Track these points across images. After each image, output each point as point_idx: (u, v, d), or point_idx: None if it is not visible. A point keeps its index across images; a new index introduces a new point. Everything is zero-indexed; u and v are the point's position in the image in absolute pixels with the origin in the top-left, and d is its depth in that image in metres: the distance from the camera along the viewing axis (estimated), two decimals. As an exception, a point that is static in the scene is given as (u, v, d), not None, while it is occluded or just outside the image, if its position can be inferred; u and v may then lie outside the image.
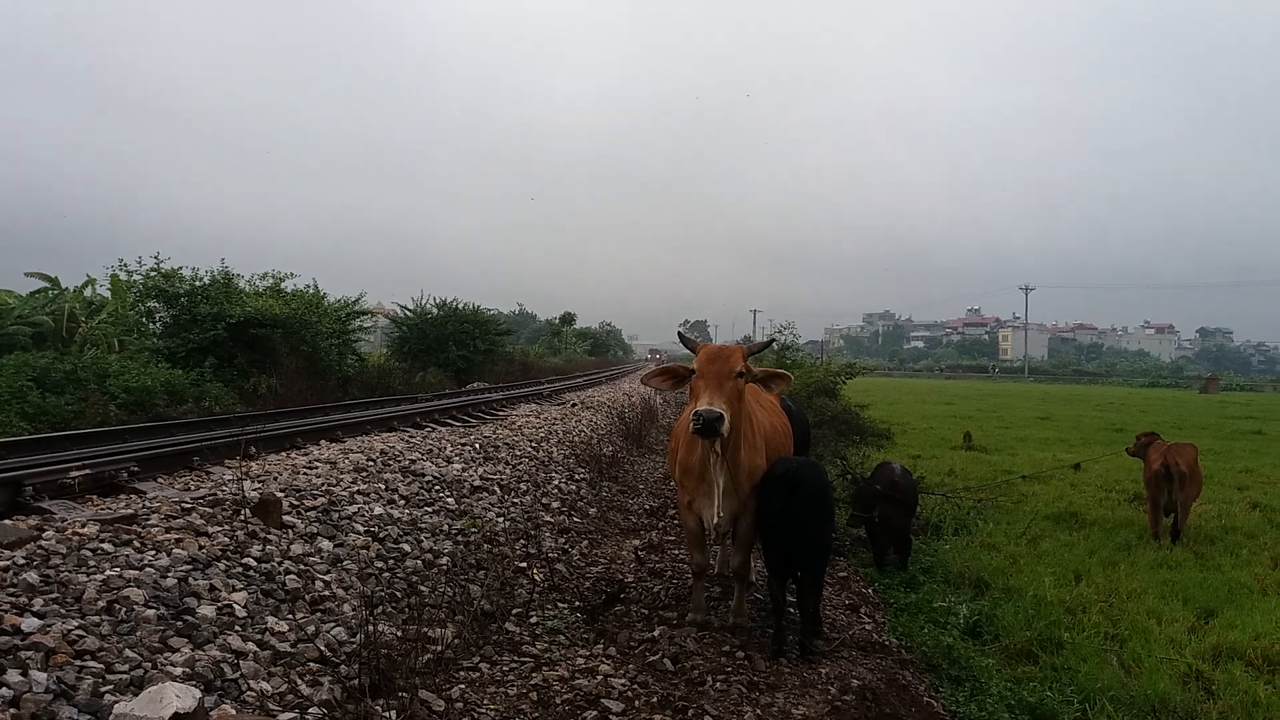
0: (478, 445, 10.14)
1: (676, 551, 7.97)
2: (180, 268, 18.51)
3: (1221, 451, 18.56)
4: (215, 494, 6.02)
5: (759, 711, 4.59)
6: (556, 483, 9.87)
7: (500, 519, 7.61)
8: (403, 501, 6.99)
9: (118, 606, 3.95)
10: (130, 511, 5.32)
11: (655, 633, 5.62)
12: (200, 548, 4.80)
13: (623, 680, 4.79)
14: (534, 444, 11.35)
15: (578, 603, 6.25)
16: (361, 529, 6.04)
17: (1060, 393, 55.48)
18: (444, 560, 6.19)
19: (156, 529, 4.97)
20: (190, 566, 4.53)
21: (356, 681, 4.20)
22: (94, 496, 6.28)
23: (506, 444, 10.74)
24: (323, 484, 6.80)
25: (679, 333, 6.30)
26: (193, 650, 3.86)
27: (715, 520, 5.56)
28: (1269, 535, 9.75)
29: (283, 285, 20.89)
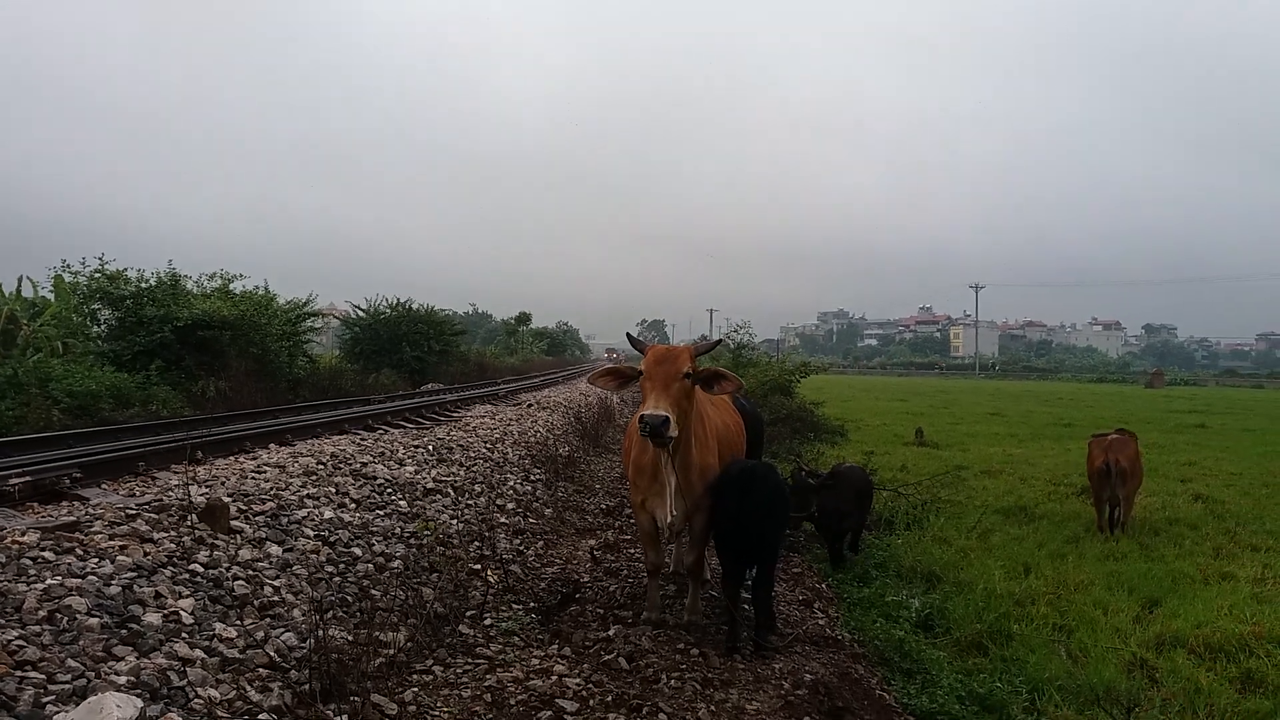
0: (431, 447, 10.07)
1: (632, 550, 7.98)
2: (125, 269, 18.16)
3: (1165, 445, 18.97)
4: (161, 499, 5.91)
5: (713, 708, 4.61)
6: (512, 484, 9.83)
7: (454, 521, 7.56)
8: (354, 505, 6.92)
9: (59, 616, 3.87)
10: (73, 519, 5.21)
11: (610, 632, 5.62)
12: (145, 554, 4.71)
13: (577, 680, 4.78)
14: (489, 445, 11.30)
15: (533, 604, 6.23)
16: (311, 533, 5.96)
17: (1010, 389, 56.37)
18: (396, 563, 6.14)
19: (100, 536, 4.87)
20: (135, 573, 4.45)
21: (307, 687, 4.15)
22: (35, 504, 6.14)
23: (461, 445, 10.68)
24: (271, 488, 6.71)
25: (628, 334, 6.30)
26: (138, 658, 3.79)
27: (669, 519, 5.58)
28: (1211, 526, 10.00)
29: (231, 286, 20.56)
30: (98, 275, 17.82)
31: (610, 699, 4.57)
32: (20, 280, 22.10)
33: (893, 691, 5.45)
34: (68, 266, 18.78)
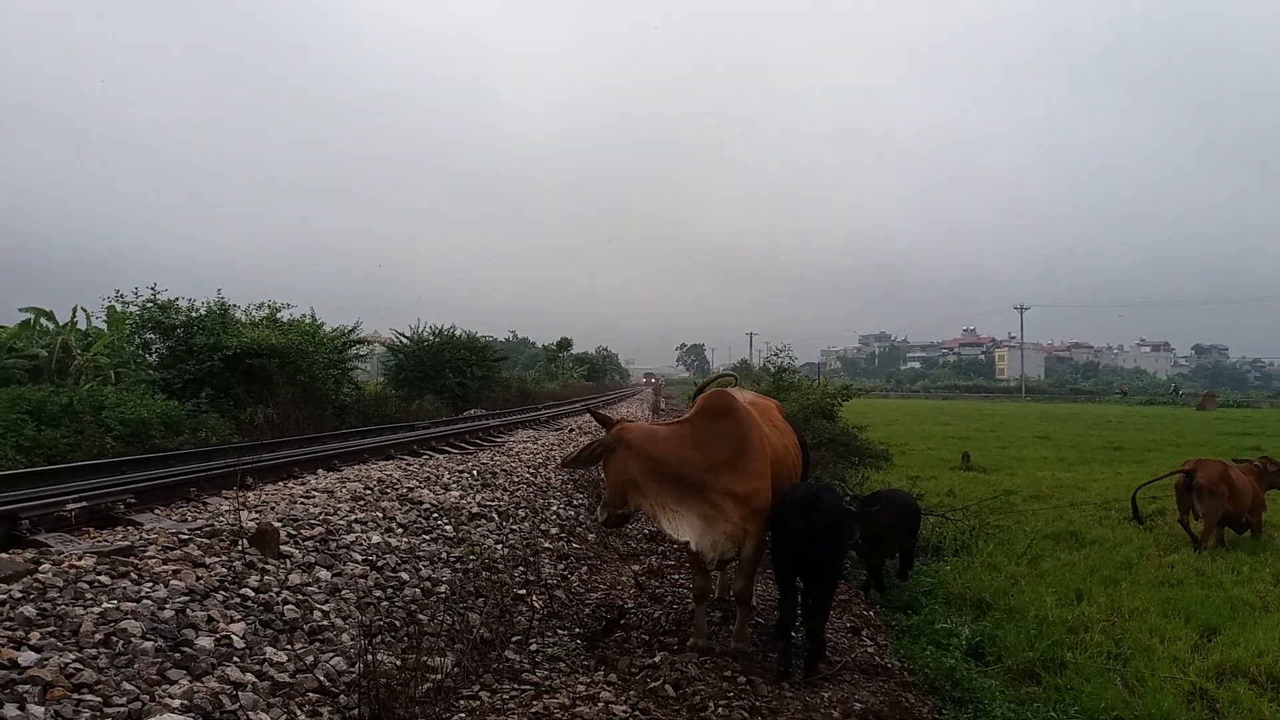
0: (475, 472, 10.12)
1: (676, 576, 7.94)
2: (176, 299, 18.54)
3: (1220, 468, 18.48)
4: (212, 525, 6.00)
5: (762, 736, 4.56)
6: (555, 508, 9.84)
7: (499, 546, 7.58)
8: (400, 530, 6.97)
9: (115, 639, 3.94)
10: (127, 543, 5.30)
11: (656, 659, 5.59)
12: (198, 579, 4.79)
13: (624, 707, 4.76)
14: (532, 470, 11.33)
15: (578, 629, 6.22)
16: (359, 558, 6.01)
17: (1058, 411, 55.44)
18: (443, 588, 6.16)
19: (154, 560, 4.95)
20: (188, 598, 4.52)
21: (356, 712, 4.18)
22: (90, 529, 6.26)
23: (504, 470, 10.72)
24: (320, 513, 6.78)
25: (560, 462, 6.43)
26: (191, 682, 3.84)
27: (695, 550, 5.70)
28: (1269, 551, 9.74)
29: (279, 315, 20.90)
30: (149, 305, 18.21)
31: (657, 726, 4.54)
32: (75, 311, 22.68)
33: (944, 721, 5.36)
34: (120, 296, 19.23)
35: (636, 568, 8.29)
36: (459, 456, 12.08)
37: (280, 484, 8.60)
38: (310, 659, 4.47)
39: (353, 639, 4.85)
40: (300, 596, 5.09)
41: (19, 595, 4.13)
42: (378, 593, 5.66)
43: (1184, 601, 7.59)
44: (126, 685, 3.65)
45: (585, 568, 8.08)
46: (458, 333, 29.72)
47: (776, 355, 27.44)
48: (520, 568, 7.26)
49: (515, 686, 5.02)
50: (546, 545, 8.27)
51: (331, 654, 4.64)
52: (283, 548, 5.66)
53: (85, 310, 22.84)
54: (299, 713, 4.02)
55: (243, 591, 4.84)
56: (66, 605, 4.14)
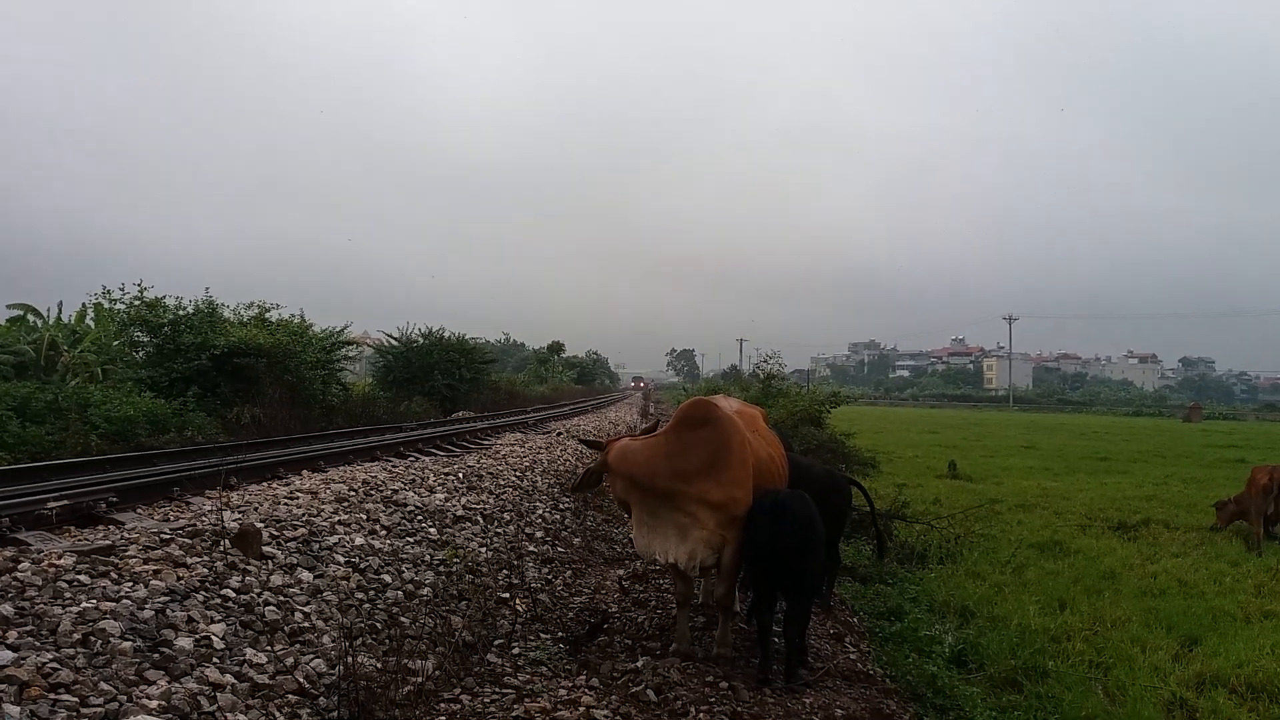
0: (461, 475, 10.10)
1: (661, 581, 7.93)
2: (163, 296, 18.45)
3: (1204, 480, 18.63)
4: (195, 524, 5.96)
5: (742, 742, 4.56)
6: (540, 512, 9.83)
7: (483, 549, 7.57)
8: (384, 532, 6.94)
9: (93, 639, 3.91)
10: (108, 542, 5.26)
11: (639, 663, 5.58)
12: (178, 579, 4.76)
13: (605, 712, 4.74)
14: (518, 473, 11.31)
15: (560, 633, 6.20)
16: (342, 560, 5.99)
17: (1044, 422, 55.64)
18: (425, 591, 6.15)
19: (134, 560, 4.92)
20: (168, 598, 4.49)
21: (335, 714, 4.16)
22: (71, 527, 6.22)
23: (490, 473, 10.70)
24: (304, 514, 6.75)
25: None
26: (169, 683, 3.82)
27: (669, 561, 5.77)
28: (1252, 563, 9.80)
29: (268, 315, 20.84)
30: (136, 303, 18.11)
31: (638, 731, 4.53)
32: (60, 307, 22.57)
33: (925, 728, 5.37)
34: (108, 293, 19.13)
35: (621, 572, 8.28)
36: (445, 459, 12.04)
37: (264, 484, 8.56)
38: (290, 660, 4.45)
39: (334, 641, 4.83)
40: (281, 598, 5.07)
41: (-3, 593, 4.10)
42: (360, 595, 5.64)
43: (1166, 611, 7.64)
44: (104, 685, 3.62)
45: (570, 571, 8.07)
46: (447, 334, 29.67)
47: (766, 362, 27.52)
48: (504, 571, 7.25)
49: (496, 690, 5.01)
50: (531, 549, 8.26)
51: (312, 656, 4.62)
52: (265, 549, 5.63)
53: (84, 305, 22.73)
54: (278, 714, 3.99)
55: (223, 592, 4.81)
56: (45, 604, 4.11)
